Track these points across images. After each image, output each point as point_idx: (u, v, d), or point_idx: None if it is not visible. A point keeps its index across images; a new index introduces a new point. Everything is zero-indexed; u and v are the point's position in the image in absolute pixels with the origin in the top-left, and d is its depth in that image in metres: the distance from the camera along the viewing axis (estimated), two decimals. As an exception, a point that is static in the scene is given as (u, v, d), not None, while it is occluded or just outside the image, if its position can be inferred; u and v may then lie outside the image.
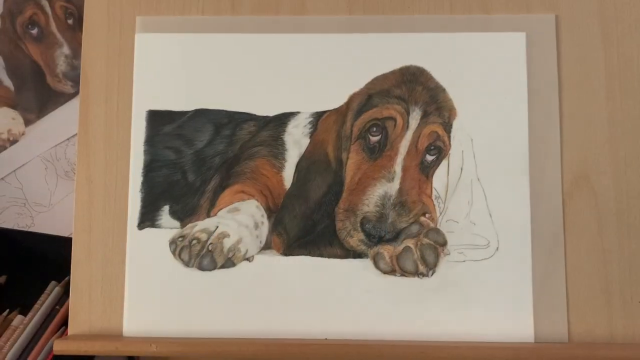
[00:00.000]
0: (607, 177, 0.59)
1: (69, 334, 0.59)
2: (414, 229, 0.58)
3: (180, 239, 0.59)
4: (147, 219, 0.60)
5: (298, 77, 0.61)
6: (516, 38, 0.61)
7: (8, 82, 0.82)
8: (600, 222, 0.59)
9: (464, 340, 0.57)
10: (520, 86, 0.60)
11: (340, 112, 0.61)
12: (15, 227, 0.76)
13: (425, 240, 0.58)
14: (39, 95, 0.81)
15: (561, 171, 0.59)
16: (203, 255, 0.58)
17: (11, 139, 0.80)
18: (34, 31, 0.81)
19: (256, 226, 0.60)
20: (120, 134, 0.61)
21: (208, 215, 0.60)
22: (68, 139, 0.80)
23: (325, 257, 0.59)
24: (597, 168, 0.59)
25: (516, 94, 0.60)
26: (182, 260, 0.59)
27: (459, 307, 0.58)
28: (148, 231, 0.60)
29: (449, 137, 0.60)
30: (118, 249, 0.60)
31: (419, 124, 0.60)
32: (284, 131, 0.61)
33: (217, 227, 0.59)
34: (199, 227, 0.59)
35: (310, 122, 0.61)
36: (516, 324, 0.58)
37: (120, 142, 0.61)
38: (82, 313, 0.59)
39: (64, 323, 0.64)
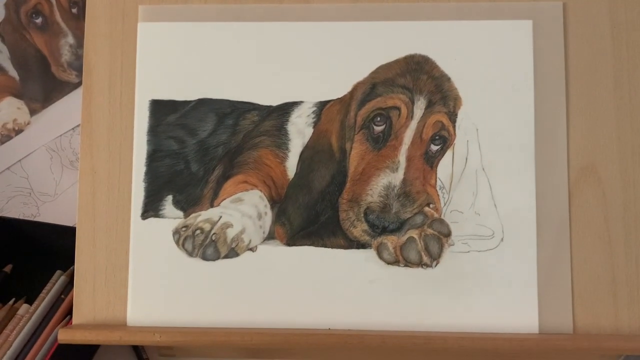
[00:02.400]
0: (614, 167, 0.59)
1: (73, 323, 0.59)
2: (418, 219, 0.58)
3: (183, 229, 0.59)
4: (151, 208, 0.60)
5: (301, 66, 0.61)
6: (523, 26, 0.60)
7: (13, 72, 0.82)
8: (607, 213, 0.58)
9: (467, 331, 0.57)
10: (526, 75, 0.60)
11: (344, 102, 0.60)
12: (21, 217, 0.77)
13: (429, 231, 0.58)
14: (44, 84, 0.81)
15: (567, 161, 0.59)
16: (206, 245, 0.59)
17: (16, 128, 0.80)
18: (39, 20, 0.81)
19: (259, 216, 0.59)
20: (123, 124, 0.61)
21: (211, 206, 0.60)
22: (73, 129, 0.80)
23: (329, 247, 0.59)
24: (604, 158, 0.59)
25: (522, 83, 0.60)
26: (185, 250, 0.59)
27: (463, 298, 0.58)
28: (151, 221, 0.60)
29: (454, 126, 0.59)
30: (122, 239, 0.60)
31: (423, 113, 0.59)
32: (287, 121, 0.61)
33: (221, 217, 0.59)
34: (203, 217, 0.59)
35: (313, 112, 0.61)
36: (521, 314, 0.57)
37: (123, 131, 0.61)
38: (87, 302, 0.59)
39: (69, 312, 0.64)
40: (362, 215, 0.58)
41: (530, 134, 0.59)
